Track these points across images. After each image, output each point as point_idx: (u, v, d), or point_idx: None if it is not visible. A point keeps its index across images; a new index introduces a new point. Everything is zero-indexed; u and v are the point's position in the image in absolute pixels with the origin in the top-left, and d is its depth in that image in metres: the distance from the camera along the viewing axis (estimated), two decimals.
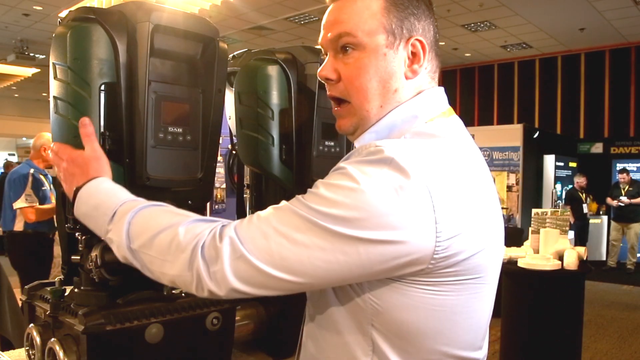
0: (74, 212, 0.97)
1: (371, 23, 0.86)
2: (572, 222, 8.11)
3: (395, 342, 0.80)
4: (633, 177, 8.99)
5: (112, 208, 0.90)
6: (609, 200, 8.72)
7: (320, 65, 0.92)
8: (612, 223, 8.79)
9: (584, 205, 8.65)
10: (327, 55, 0.92)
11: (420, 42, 0.88)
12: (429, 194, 0.74)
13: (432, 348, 0.81)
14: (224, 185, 5.02)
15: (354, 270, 0.75)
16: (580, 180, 8.72)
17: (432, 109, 0.89)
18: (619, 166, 9.22)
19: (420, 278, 0.78)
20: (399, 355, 0.81)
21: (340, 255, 0.73)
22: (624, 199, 8.41)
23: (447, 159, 0.80)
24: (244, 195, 1.75)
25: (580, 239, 8.57)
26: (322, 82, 0.92)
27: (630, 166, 9.47)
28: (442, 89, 0.93)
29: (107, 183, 0.98)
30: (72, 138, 1.13)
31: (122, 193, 0.95)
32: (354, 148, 0.88)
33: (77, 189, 0.97)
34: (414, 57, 0.88)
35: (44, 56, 10.44)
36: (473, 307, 0.84)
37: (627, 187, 8.53)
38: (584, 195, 8.70)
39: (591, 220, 9.10)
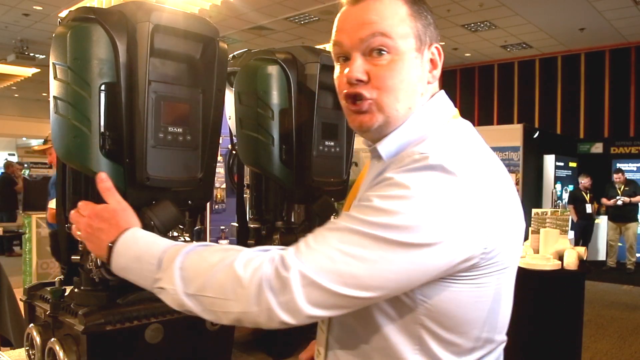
0: (111, 267, 0.93)
1: (403, 27, 0.88)
2: (575, 222, 8.14)
3: (443, 337, 0.84)
4: (633, 177, 8.99)
5: (155, 256, 0.88)
6: (604, 200, 8.71)
7: (343, 68, 0.90)
8: (609, 223, 8.78)
9: (587, 206, 8.64)
10: (343, 57, 0.91)
11: (438, 49, 0.92)
12: (476, 193, 0.78)
13: (476, 336, 0.86)
14: (224, 185, 5.02)
15: (421, 275, 0.78)
16: (584, 181, 8.71)
17: (447, 112, 0.93)
18: (619, 166, 9.22)
19: (468, 273, 0.81)
20: (445, 348, 0.84)
21: (409, 264, 0.76)
22: (624, 198, 8.41)
23: (481, 159, 0.85)
24: (244, 195, 1.75)
25: (584, 240, 8.57)
26: (351, 82, 0.88)
27: (631, 166, 9.46)
28: (444, 92, 0.96)
29: (141, 232, 0.95)
30: (72, 138, 1.13)
31: (161, 240, 0.93)
32: (374, 152, 0.92)
33: (112, 243, 0.94)
34: (432, 63, 0.92)
35: (44, 56, 10.44)
36: (507, 293, 0.89)
37: (622, 187, 8.53)
38: (588, 195, 8.69)
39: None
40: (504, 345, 0.94)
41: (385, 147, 0.90)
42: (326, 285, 0.75)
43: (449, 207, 0.76)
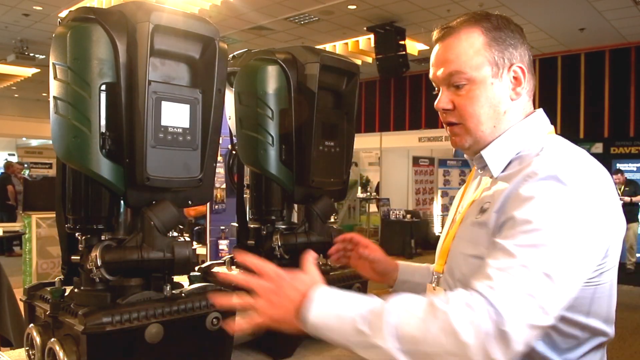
0: (304, 325, 0.89)
1: (477, 59, 1.01)
2: None
3: (565, 331, 0.96)
4: (633, 177, 8.99)
5: (360, 315, 0.86)
6: None
7: (436, 97, 1.07)
8: None
9: None
10: (438, 88, 1.07)
11: (520, 67, 1.03)
12: (597, 200, 0.93)
13: (594, 328, 0.98)
14: (224, 185, 5.02)
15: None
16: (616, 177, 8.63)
17: (543, 128, 1.06)
18: (619, 166, 9.22)
19: (593, 274, 0.95)
20: (564, 339, 0.96)
21: (575, 278, 0.90)
22: (625, 198, 8.39)
23: (593, 167, 0.97)
24: (244, 195, 1.75)
25: None
26: (439, 111, 1.06)
27: (630, 166, 9.46)
28: (542, 110, 1.09)
29: (331, 290, 0.92)
30: (72, 138, 1.13)
31: (356, 298, 0.90)
32: (479, 160, 1.06)
33: (304, 304, 0.89)
34: (516, 81, 1.04)
35: (44, 56, 10.43)
36: (615, 288, 1.02)
37: (622, 187, 8.52)
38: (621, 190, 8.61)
39: None
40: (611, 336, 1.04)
41: (490, 155, 1.04)
42: (542, 323, 0.83)
43: (585, 222, 0.88)
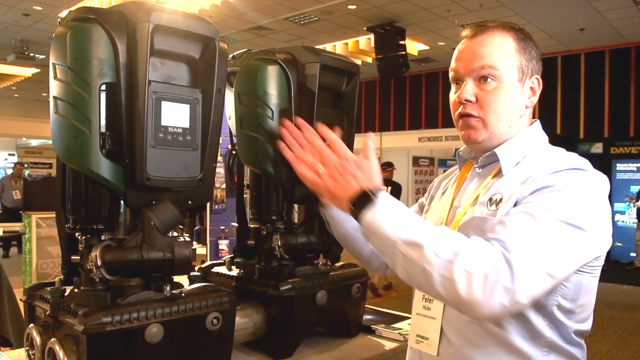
0: (354, 211, 0.98)
1: (508, 60, 1.08)
2: None
3: (569, 308, 1.02)
4: (633, 177, 8.96)
5: (417, 218, 0.96)
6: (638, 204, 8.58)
7: (457, 89, 1.11)
8: (638, 223, 8.69)
9: None
10: (458, 80, 1.12)
11: (537, 79, 1.12)
12: (606, 193, 1.04)
13: (582, 317, 1.06)
14: (224, 185, 5.02)
15: (585, 260, 1.00)
16: None
17: (544, 137, 1.15)
18: (619, 166, 9.20)
19: (594, 263, 1.02)
20: (570, 319, 1.02)
21: (583, 250, 0.98)
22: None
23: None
24: (244, 195, 1.75)
25: None
26: (462, 101, 1.09)
27: (630, 166, 9.44)
28: (539, 121, 1.17)
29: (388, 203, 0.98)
30: (72, 138, 1.13)
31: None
32: (490, 157, 1.11)
33: (371, 191, 0.98)
34: (532, 91, 1.12)
35: (44, 56, 10.44)
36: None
37: None
38: None
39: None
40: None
41: (504, 153, 1.09)
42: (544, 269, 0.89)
43: (602, 204, 0.98)
